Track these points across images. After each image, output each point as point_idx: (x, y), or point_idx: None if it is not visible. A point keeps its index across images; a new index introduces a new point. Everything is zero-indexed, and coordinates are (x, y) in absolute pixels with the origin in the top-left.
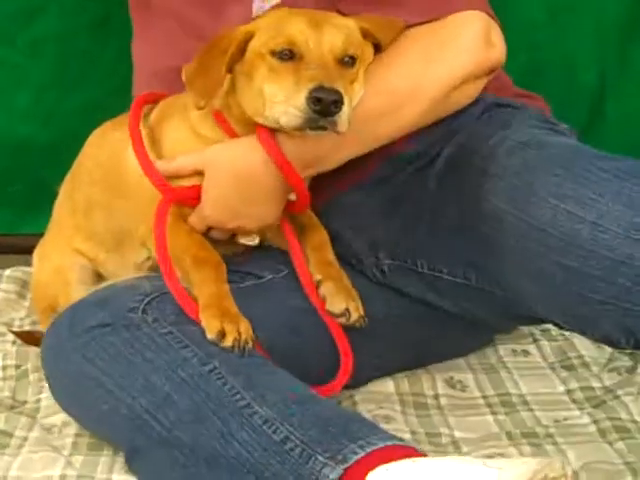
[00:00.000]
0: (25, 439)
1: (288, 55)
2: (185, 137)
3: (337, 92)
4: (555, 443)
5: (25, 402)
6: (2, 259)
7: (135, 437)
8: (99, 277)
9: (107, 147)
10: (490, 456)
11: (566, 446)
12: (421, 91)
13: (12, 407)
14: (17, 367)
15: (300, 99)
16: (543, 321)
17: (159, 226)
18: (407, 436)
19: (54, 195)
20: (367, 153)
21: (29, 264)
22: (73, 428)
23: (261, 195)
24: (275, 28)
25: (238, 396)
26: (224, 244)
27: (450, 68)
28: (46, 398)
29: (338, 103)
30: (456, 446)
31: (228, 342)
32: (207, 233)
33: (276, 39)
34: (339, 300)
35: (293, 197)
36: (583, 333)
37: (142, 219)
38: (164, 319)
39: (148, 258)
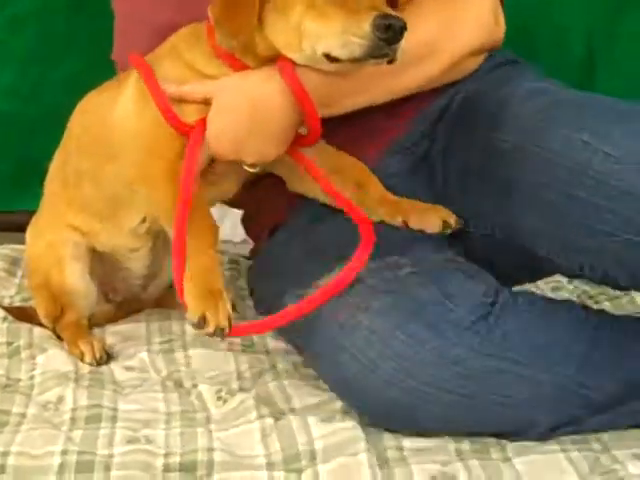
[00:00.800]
0: (23, 416)
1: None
2: (184, 76)
3: (402, 20)
4: None
5: (19, 380)
6: None
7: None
8: (93, 253)
9: (92, 112)
10: None
11: None
12: (443, 49)
13: (6, 385)
14: (9, 344)
15: (365, 28)
16: (541, 271)
17: (189, 161)
18: None
19: (42, 171)
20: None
21: (19, 242)
22: (68, 404)
23: (271, 126)
24: None
25: None
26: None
27: (469, 35)
28: (39, 375)
29: (403, 29)
30: None
31: (210, 329)
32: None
33: None
34: (433, 220)
35: (304, 131)
36: (582, 270)
37: (132, 167)
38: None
39: (143, 220)
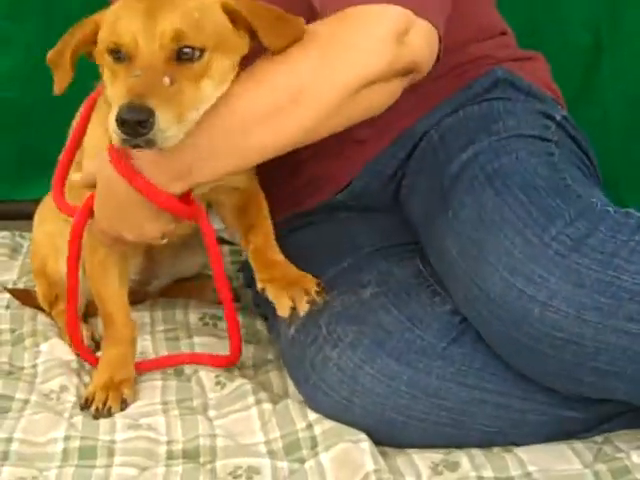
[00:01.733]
0: (26, 402)
1: (120, 56)
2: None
3: (144, 110)
4: None
5: (22, 368)
6: None
7: None
8: None
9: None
10: None
11: None
12: (312, 92)
13: (10, 373)
14: (12, 331)
15: (112, 119)
16: None
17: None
18: None
19: (43, 160)
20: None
21: (21, 230)
22: (71, 394)
23: (129, 209)
24: (113, 21)
25: None
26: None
27: (350, 69)
28: (42, 363)
29: (145, 123)
30: None
31: (93, 410)
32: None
33: (110, 36)
34: (283, 303)
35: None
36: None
37: None
38: None
39: None
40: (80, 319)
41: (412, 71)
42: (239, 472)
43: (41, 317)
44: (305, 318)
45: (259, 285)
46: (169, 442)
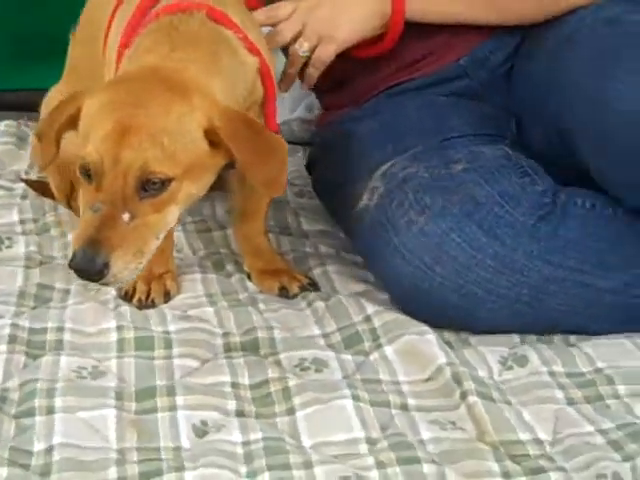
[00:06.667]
0: (67, 292)
1: (87, 173)
2: None
3: (97, 262)
4: None
5: (53, 257)
6: None
7: None
8: None
9: (93, 10)
10: None
11: None
12: None
13: (42, 262)
14: (35, 221)
15: (68, 259)
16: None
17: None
18: None
19: (35, 50)
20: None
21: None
22: None
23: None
24: (85, 127)
25: None
26: None
27: None
28: None
29: (98, 275)
30: None
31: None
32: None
33: (80, 146)
34: (269, 285)
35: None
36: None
37: None
38: None
39: None
40: None
41: None
42: (306, 364)
43: (62, 208)
44: (389, 185)
45: (245, 268)
46: (225, 334)
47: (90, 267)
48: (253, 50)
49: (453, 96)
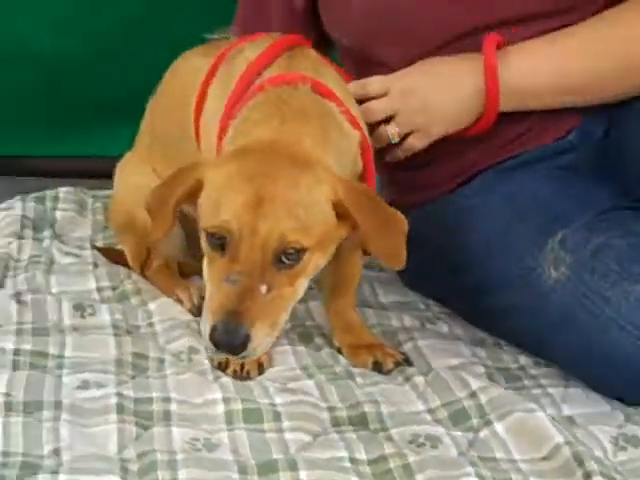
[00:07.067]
0: (161, 361)
1: (219, 243)
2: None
3: (239, 335)
4: None
5: (138, 327)
6: (38, 182)
7: None
8: None
9: (180, 76)
10: None
11: None
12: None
13: (128, 331)
14: (113, 289)
15: (205, 332)
16: None
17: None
18: None
19: (86, 116)
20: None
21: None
22: (202, 355)
23: (454, 91)
24: (214, 198)
25: None
26: None
27: None
28: (159, 323)
29: (240, 348)
30: None
31: (231, 372)
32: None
33: (210, 217)
34: (363, 359)
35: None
36: None
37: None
38: None
39: None
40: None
41: None
42: (420, 440)
43: (136, 276)
44: (577, 257)
45: (336, 343)
46: (330, 408)
47: (233, 340)
48: (354, 124)
49: (559, 170)
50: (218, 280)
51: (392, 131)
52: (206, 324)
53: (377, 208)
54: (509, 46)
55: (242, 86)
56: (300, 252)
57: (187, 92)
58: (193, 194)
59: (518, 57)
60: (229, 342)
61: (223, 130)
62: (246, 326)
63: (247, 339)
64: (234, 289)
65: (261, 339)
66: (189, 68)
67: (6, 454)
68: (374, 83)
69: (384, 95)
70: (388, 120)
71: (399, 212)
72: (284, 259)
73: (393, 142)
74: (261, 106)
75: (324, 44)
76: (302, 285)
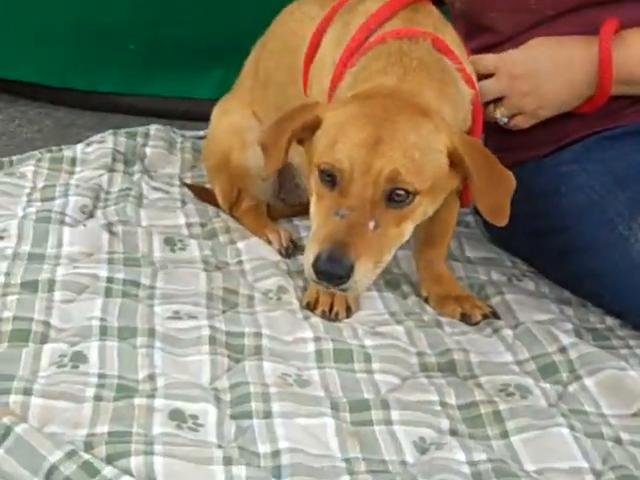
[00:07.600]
0: (251, 298)
1: (331, 180)
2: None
3: (344, 265)
4: None
5: (227, 263)
6: (128, 119)
7: None
8: None
9: (296, 21)
10: None
11: None
12: None
13: (218, 267)
14: (202, 225)
15: (308, 260)
16: None
17: None
18: None
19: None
20: None
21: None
22: (291, 295)
23: (570, 71)
24: (332, 134)
25: None
26: None
27: None
28: (248, 261)
29: (343, 279)
30: None
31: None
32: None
33: (325, 153)
34: (451, 310)
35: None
36: None
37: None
38: None
39: None
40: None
41: None
42: (510, 390)
43: (224, 215)
44: None
45: (423, 293)
46: (419, 353)
47: (337, 269)
48: (469, 82)
49: None
50: (326, 214)
51: (501, 113)
52: (310, 253)
53: (490, 163)
54: (624, 30)
55: (361, 36)
56: (410, 195)
57: (299, 39)
58: (308, 129)
59: (634, 44)
60: (333, 271)
61: (338, 77)
62: (351, 258)
63: (351, 271)
64: (343, 222)
65: (363, 274)
66: (303, 15)
67: (102, 376)
68: (484, 60)
69: (492, 74)
70: (497, 100)
71: (508, 170)
72: (394, 199)
73: (501, 123)
74: (382, 56)
75: (437, 6)
76: (408, 229)
